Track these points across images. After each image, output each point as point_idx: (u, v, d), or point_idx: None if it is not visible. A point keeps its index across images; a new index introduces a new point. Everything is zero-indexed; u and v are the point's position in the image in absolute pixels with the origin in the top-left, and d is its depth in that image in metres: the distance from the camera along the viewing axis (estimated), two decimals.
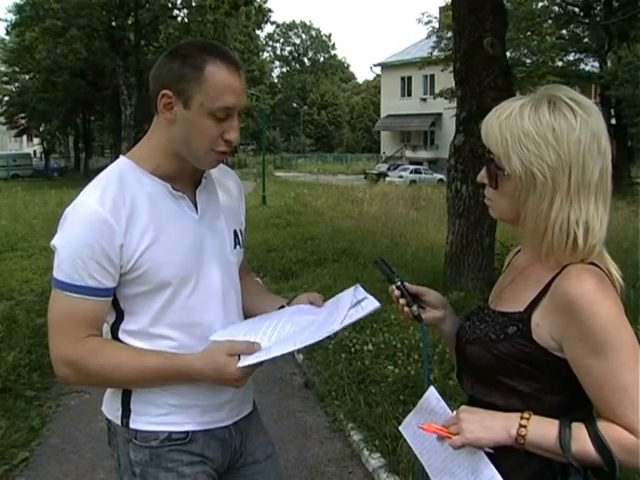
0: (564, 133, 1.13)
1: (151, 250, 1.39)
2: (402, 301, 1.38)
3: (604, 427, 1.09)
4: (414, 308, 1.37)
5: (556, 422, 1.12)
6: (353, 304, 1.43)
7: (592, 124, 1.14)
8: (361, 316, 1.40)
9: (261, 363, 1.36)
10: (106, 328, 1.47)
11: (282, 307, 1.61)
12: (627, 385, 1.07)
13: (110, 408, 1.52)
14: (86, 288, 1.35)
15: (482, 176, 1.25)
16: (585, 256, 1.15)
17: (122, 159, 1.47)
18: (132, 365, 1.39)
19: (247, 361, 1.36)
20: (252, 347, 1.38)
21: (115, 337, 1.46)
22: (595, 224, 1.15)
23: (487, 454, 1.18)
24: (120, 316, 1.45)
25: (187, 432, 1.47)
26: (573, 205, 1.14)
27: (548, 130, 1.13)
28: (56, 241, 1.38)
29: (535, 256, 1.23)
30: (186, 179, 1.48)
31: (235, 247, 1.57)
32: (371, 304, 1.41)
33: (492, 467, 1.17)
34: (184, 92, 1.35)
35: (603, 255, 1.20)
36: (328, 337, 1.37)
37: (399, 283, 1.38)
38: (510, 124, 1.16)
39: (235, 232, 1.57)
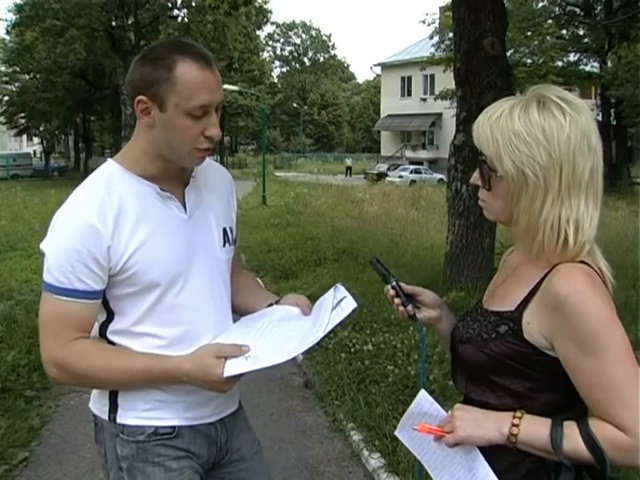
0: (554, 132, 1.13)
1: (140, 251, 1.40)
2: (397, 301, 1.39)
3: (595, 425, 1.09)
4: (409, 308, 1.38)
5: (548, 421, 1.13)
6: (334, 305, 1.44)
7: (582, 123, 1.15)
8: (342, 318, 1.41)
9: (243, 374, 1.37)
10: (95, 326, 1.47)
11: (271, 305, 1.62)
12: (618, 383, 1.08)
13: (98, 404, 1.53)
14: (74, 291, 1.36)
15: (475, 178, 1.26)
16: (575, 254, 1.16)
17: (109, 162, 1.48)
18: (120, 367, 1.40)
19: (233, 371, 1.36)
20: (239, 350, 1.39)
21: (103, 336, 1.47)
22: (585, 222, 1.15)
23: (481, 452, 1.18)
24: (110, 316, 1.47)
25: (173, 427, 1.48)
26: (564, 203, 1.15)
27: (538, 130, 1.14)
28: (44, 246, 1.39)
29: (527, 255, 1.23)
30: (174, 179, 1.48)
31: (225, 245, 1.57)
32: (350, 304, 1.43)
33: (487, 465, 1.18)
34: (158, 96, 1.35)
35: (594, 253, 1.20)
36: (314, 345, 1.38)
37: (394, 283, 1.39)
38: (500, 125, 1.17)
39: (225, 230, 1.58)
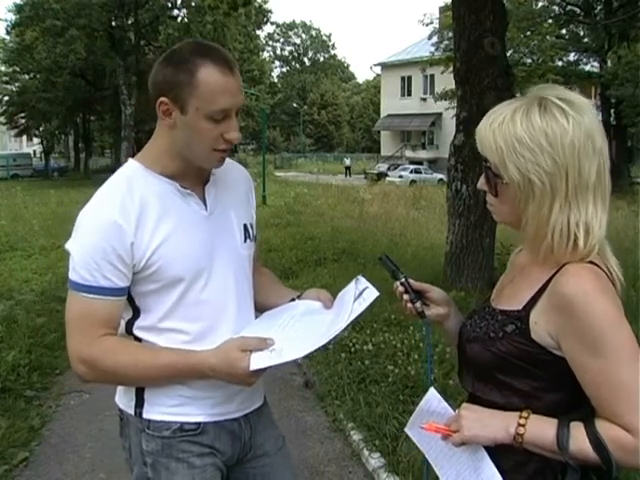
0: (557, 137, 1.12)
1: (163, 248, 1.42)
2: (406, 297, 1.39)
3: (602, 426, 1.09)
4: (417, 304, 1.38)
5: (554, 421, 1.13)
6: (356, 296, 1.45)
7: (585, 124, 1.13)
8: (364, 308, 1.41)
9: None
10: (121, 324, 1.49)
11: (293, 300, 1.64)
12: (624, 384, 1.07)
13: (124, 398, 1.55)
14: (100, 288, 1.39)
15: (482, 183, 1.25)
16: (585, 256, 1.15)
17: (130, 162, 1.51)
18: (147, 362, 1.42)
19: (259, 364, 1.37)
20: (264, 343, 1.40)
21: (129, 333, 1.49)
22: (595, 224, 1.15)
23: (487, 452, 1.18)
24: (136, 313, 1.49)
25: (199, 423, 1.50)
26: (572, 208, 1.14)
27: (541, 135, 1.13)
28: (69, 245, 1.42)
29: (534, 257, 1.23)
30: (194, 177, 1.50)
31: (245, 241, 1.59)
32: (372, 294, 1.43)
33: (492, 466, 1.18)
34: (179, 98, 1.37)
35: (604, 251, 1.20)
36: (337, 336, 1.39)
37: (403, 279, 1.39)
38: (503, 131, 1.16)
39: (245, 226, 1.60)
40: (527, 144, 1.13)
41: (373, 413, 3.88)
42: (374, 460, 3.46)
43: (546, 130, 1.13)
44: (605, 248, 1.20)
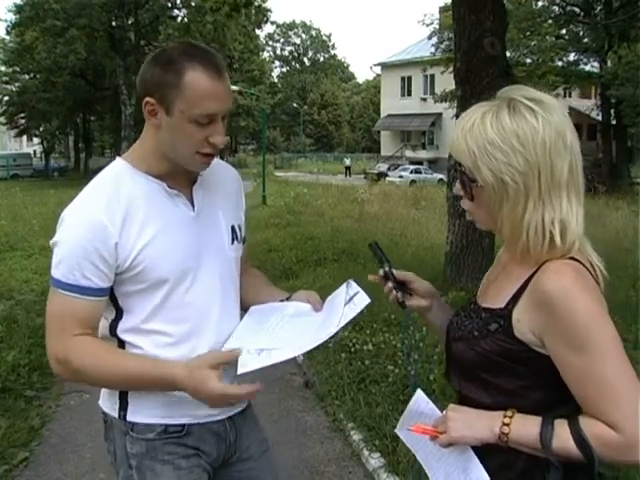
0: (529, 137, 1.13)
1: (148, 248, 1.41)
2: (390, 285, 1.39)
3: (586, 423, 1.09)
4: (399, 294, 1.38)
5: (539, 419, 1.13)
6: (347, 301, 1.44)
7: (555, 122, 1.14)
8: (355, 314, 1.41)
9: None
10: (104, 325, 1.48)
11: (282, 301, 1.62)
12: (608, 381, 1.07)
13: (107, 401, 1.54)
14: (79, 287, 1.38)
15: (457, 189, 1.26)
16: (565, 253, 1.15)
17: (117, 160, 1.50)
18: (113, 369, 1.40)
19: (247, 367, 1.36)
20: (232, 355, 1.41)
21: (114, 334, 1.48)
22: (571, 221, 1.15)
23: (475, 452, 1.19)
24: (119, 314, 1.47)
25: (183, 425, 1.49)
26: (546, 205, 1.14)
27: (512, 136, 1.13)
28: (53, 242, 1.41)
29: (513, 255, 1.24)
30: (181, 178, 1.49)
31: (233, 242, 1.58)
32: (363, 300, 1.43)
33: (480, 466, 1.18)
34: (165, 99, 1.36)
35: (584, 246, 1.20)
36: (327, 340, 1.38)
37: (387, 268, 1.39)
38: (474, 135, 1.16)
39: (233, 227, 1.58)
40: (499, 146, 1.14)
41: (373, 413, 3.89)
42: (374, 460, 3.47)
43: (517, 131, 1.14)
44: (585, 244, 1.20)
